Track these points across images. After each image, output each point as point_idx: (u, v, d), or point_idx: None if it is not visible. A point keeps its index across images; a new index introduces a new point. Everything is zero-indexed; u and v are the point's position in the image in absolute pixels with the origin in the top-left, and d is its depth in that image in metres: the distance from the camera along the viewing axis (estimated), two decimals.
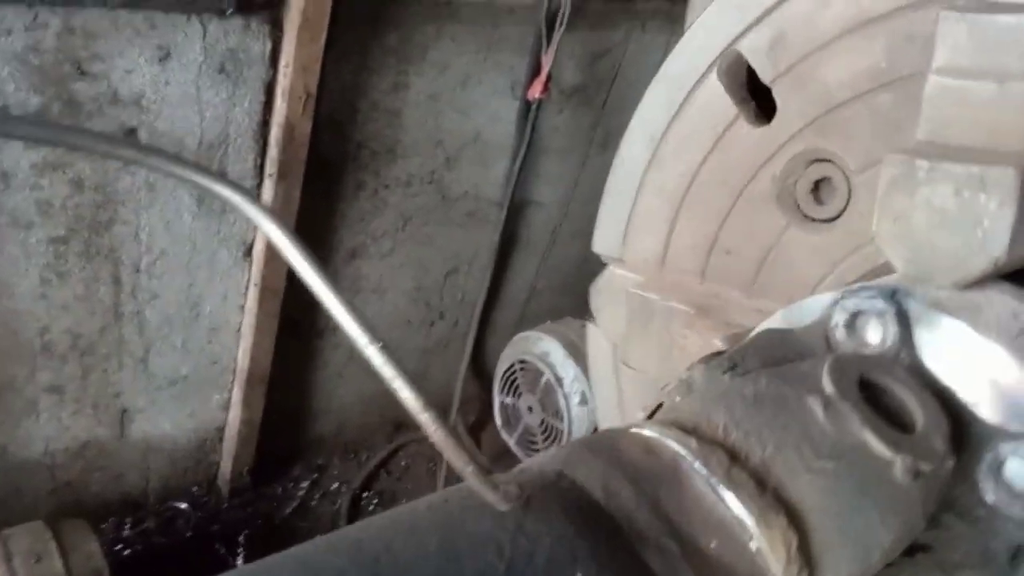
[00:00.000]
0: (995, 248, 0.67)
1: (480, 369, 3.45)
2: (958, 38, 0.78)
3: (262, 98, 2.20)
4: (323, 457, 3.26)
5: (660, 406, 0.77)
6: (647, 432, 0.63)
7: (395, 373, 0.54)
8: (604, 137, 3.10)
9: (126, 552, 2.71)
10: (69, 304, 2.21)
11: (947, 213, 0.69)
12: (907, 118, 0.89)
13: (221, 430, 2.82)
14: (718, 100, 1.14)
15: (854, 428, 0.61)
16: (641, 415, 0.78)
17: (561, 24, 2.52)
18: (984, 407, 0.68)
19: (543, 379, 3.02)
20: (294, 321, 2.74)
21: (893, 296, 0.73)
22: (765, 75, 1.08)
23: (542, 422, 3.08)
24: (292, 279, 2.54)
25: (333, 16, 2.14)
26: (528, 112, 2.78)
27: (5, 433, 2.32)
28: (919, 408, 0.65)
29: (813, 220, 1.08)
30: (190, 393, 2.65)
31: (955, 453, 0.65)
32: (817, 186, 1.08)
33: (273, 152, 2.27)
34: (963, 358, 0.69)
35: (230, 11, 1.98)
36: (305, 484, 3.15)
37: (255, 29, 2.08)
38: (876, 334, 0.74)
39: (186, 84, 2.06)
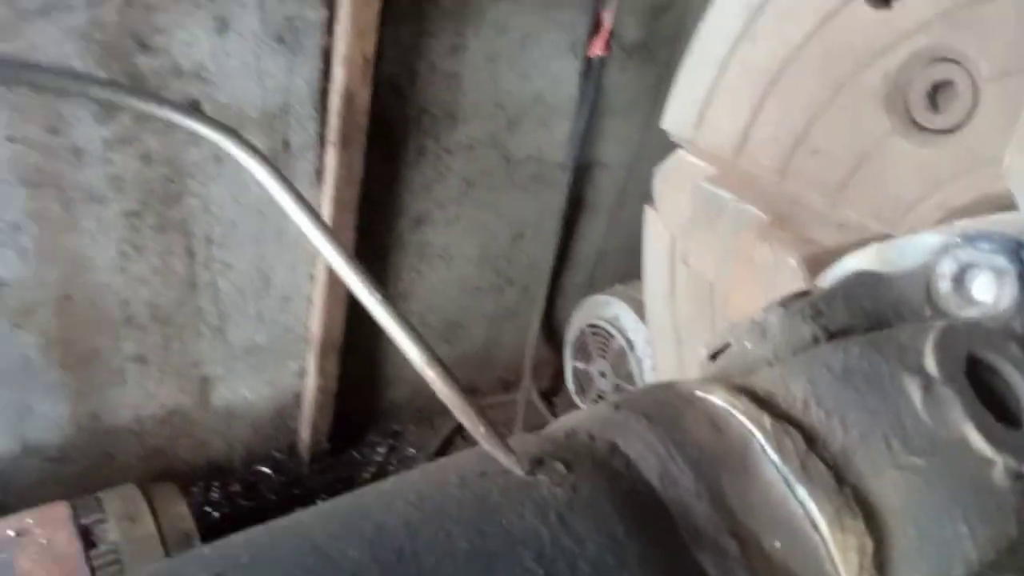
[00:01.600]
0: None
1: (551, 334, 3.43)
2: None
3: (320, 65, 2.21)
4: (399, 423, 3.31)
5: (727, 347, 0.69)
6: (715, 400, 0.56)
7: (397, 325, 0.51)
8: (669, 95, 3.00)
9: (214, 514, 2.82)
10: (146, 276, 2.29)
11: None
12: None
13: (298, 397, 2.89)
14: None
15: (955, 419, 0.53)
16: (703, 352, 0.70)
17: None
18: None
19: (614, 343, 2.98)
20: None
21: (1017, 253, 0.62)
22: None
23: (615, 387, 3.05)
24: (359, 247, 2.56)
25: None
26: (590, 71, 2.71)
27: (95, 401, 2.43)
28: None
29: (923, 129, 0.93)
30: (266, 361, 2.72)
31: None
32: (935, 90, 0.91)
33: (334, 120, 2.28)
34: None
35: None
36: (382, 450, 3.21)
37: None
38: (988, 292, 0.63)
39: (245, 54, 2.08)
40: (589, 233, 3.27)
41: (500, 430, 0.51)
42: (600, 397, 3.13)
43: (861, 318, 0.65)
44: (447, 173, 2.73)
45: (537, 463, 0.49)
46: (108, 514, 2.30)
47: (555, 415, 3.43)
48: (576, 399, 3.26)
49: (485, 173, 2.82)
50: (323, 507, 0.49)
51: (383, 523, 0.46)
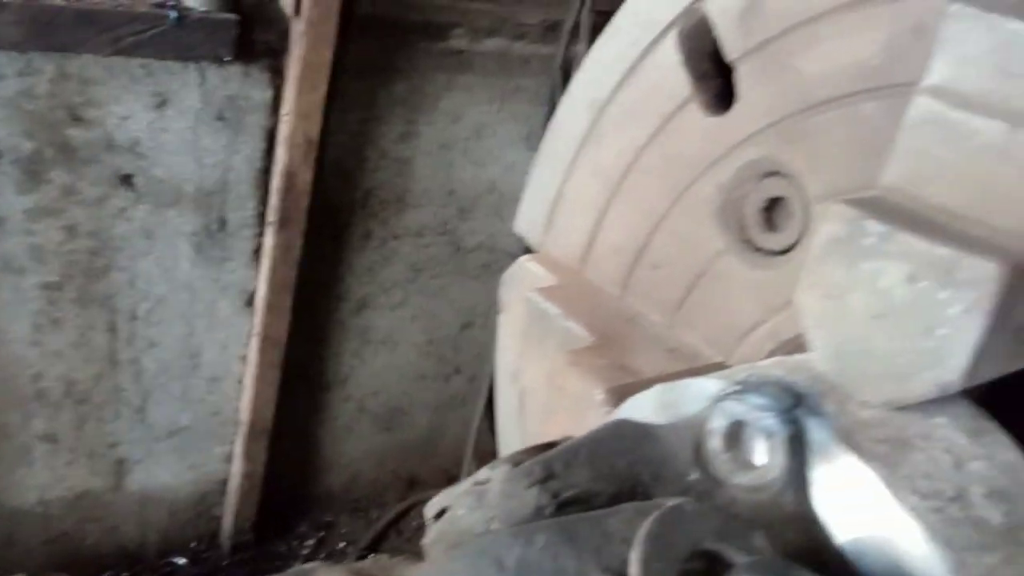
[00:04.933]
0: (949, 369, 0.46)
1: (496, 425, 3.32)
2: (969, 48, 0.53)
3: (263, 145, 2.16)
4: (331, 513, 3.14)
5: (446, 510, 0.59)
6: None
7: None
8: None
9: None
10: (63, 351, 2.17)
11: (894, 303, 0.47)
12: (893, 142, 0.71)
13: (223, 483, 2.73)
14: (673, 71, 0.87)
15: None
16: (430, 513, 0.60)
17: None
18: None
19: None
20: (301, 372, 2.67)
21: (790, 412, 0.52)
22: (730, 48, 0.82)
23: None
24: (297, 329, 2.47)
25: (339, 64, 2.10)
26: None
27: None
28: None
29: (756, 249, 0.84)
30: (190, 444, 2.58)
31: None
32: (771, 207, 0.83)
33: (274, 200, 2.22)
34: (866, 519, 0.49)
35: (228, 59, 1.95)
36: (311, 542, 3.03)
37: (255, 77, 2.05)
38: (762, 455, 0.53)
39: (184, 131, 2.02)
40: None
41: None
42: None
43: (608, 481, 0.54)
44: (393, 258, 2.66)
45: None
46: None
47: None
48: None
49: (434, 260, 2.76)
50: None
51: None
